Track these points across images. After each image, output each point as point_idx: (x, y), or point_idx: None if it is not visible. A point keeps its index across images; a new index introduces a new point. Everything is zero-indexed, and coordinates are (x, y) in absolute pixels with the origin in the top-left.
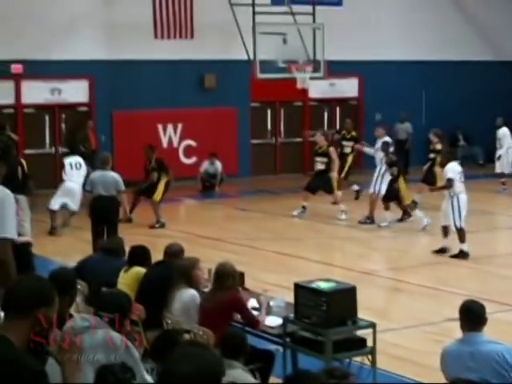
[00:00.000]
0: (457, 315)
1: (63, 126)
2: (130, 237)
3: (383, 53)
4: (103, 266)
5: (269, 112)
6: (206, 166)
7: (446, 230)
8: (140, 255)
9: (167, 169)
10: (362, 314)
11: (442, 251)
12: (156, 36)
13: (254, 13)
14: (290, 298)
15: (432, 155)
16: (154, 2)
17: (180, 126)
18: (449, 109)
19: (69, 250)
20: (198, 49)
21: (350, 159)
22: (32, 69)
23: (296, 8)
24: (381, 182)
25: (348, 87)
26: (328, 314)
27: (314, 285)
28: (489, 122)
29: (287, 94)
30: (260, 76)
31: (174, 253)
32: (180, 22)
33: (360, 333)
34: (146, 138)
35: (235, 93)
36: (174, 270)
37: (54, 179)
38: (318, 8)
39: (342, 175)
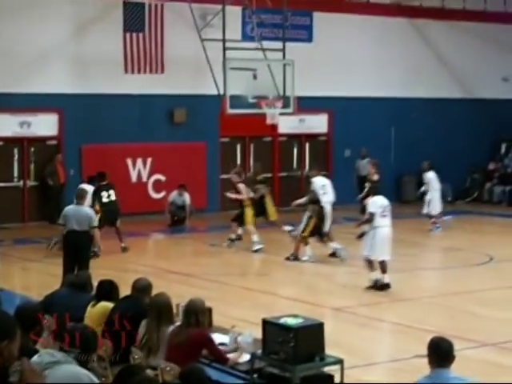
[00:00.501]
0: (425, 352)
1: (32, 159)
2: (97, 271)
3: (353, 89)
4: (70, 301)
5: (238, 147)
6: (174, 196)
7: (370, 264)
8: (107, 290)
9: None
10: (329, 351)
11: (374, 286)
12: (126, 70)
13: (224, 48)
14: (257, 333)
15: (367, 185)
16: (124, 37)
17: (149, 160)
18: (418, 145)
19: (37, 284)
20: (169, 83)
21: (266, 201)
22: (1, 101)
23: (266, 44)
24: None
25: (317, 123)
26: (296, 350)
27: (281, 321)
28: (458, 159)
29: (257, 130)
30: (230, 111)
31: (141, 288)
32: (150, 57)
33: (328, 369)
34: (116, 172)
35: (205, 127)
36: (162, 306)
37: (22, 213)
38: (288, 44)
39: (267, 218)
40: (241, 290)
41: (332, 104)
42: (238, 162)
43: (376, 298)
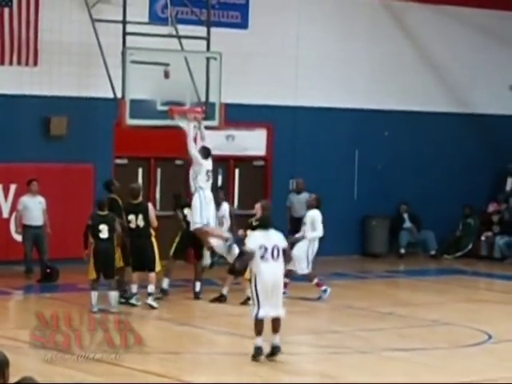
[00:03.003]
0: None
1: None
2: None
3: (302, 95)
4: None
5: (140, 172)
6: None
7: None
8: None
9: None
10: None
11: None
12: None
13: (124, 33)
14: None
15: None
16: None
17: (13, 187)
18: (391, 176)
19: None
20: (44, 80)
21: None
22: None
23: (184, 29)
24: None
25: (252, 142)
26: None
27: None
28: (446, 197)
29: (167, 148)
30: (130, 122)
31: None
32: (19, 42)
33: None
34: None
35: (93, 143)
36: None
37: None
38: (215, 31)
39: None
40: (138, 374)
41: (273, 116)
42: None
43: None
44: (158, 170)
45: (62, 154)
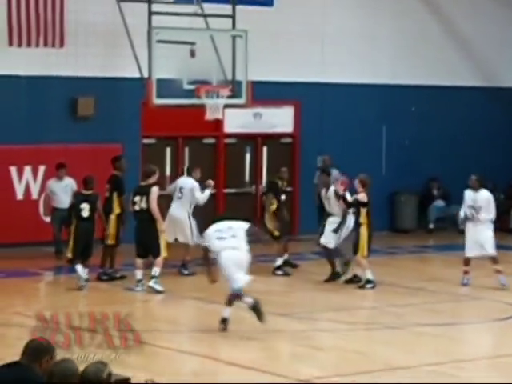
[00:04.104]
0: None
1: None
2: None
3: (329, 72)
4: None
5: (168, 151)
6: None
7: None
8: None
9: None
10: None
11: None
12: (11, 43)
13: (150, 13)
14: None
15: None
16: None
17: (42, 169)
18: (419, 152)
19: None
20: (71, 61)
21: None
22: None
23: (209, 8)
24: None
25: (280, 119)
26: None
27: None
28: (474, 171)
29: (194, 127)
30: (157, 101)
31: (34, 351)
32: (45, 24)
33: None
34: None
35: (121, 124)
36: None
37: None
38: (240, 9)
39: None
40: (170, 352)
41: (300, 93)
42: (168, 171)
43: (362, 365)
44: (186, 149)
45: (89, 134)
